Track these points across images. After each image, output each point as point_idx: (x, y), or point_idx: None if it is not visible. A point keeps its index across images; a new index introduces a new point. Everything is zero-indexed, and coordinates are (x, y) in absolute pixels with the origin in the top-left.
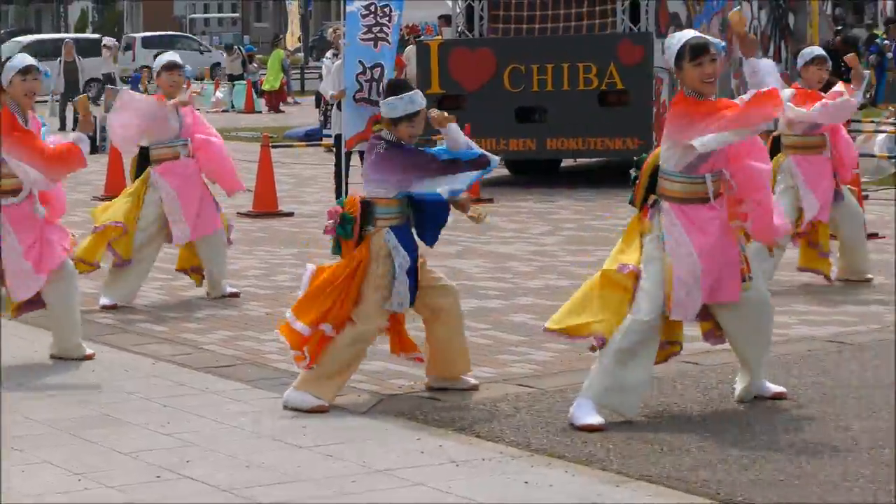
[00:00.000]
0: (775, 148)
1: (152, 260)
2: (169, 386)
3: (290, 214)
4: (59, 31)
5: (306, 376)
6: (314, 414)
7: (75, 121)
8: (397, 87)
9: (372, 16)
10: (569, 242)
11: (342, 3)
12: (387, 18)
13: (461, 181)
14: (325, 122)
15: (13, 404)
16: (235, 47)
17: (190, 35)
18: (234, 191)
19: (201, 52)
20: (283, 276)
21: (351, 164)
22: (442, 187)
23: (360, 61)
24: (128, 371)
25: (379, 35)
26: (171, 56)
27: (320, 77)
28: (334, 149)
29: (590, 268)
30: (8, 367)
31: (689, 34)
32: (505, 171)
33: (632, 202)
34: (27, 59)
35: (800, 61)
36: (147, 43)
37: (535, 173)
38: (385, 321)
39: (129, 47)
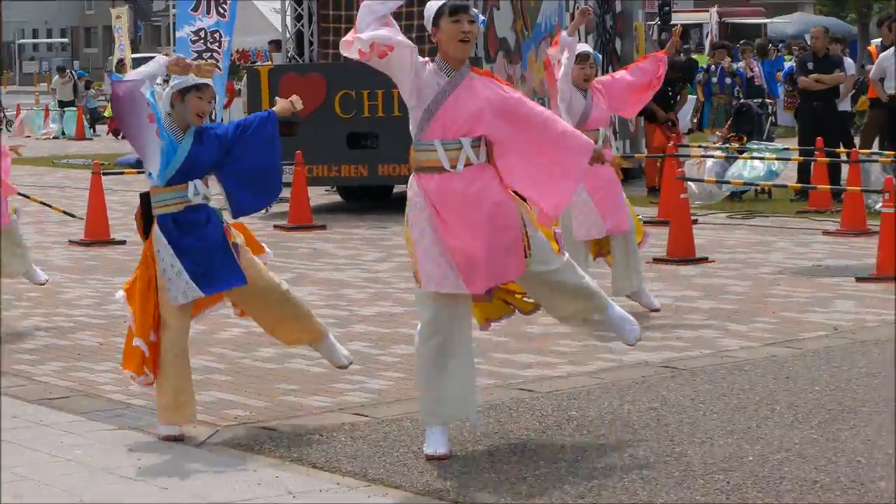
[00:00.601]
0: None
1: None
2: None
3: (123, 242)
4: None
5: (159, 406)
6: (152, 446)
7: None
8: None
9: (202, 41)
10: (402, 269)
11: (172, 28)
12: (217, 44)
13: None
14: None
15: None
16: (67, 70)
17: None
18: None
19: None
20: (115, 305)
21: None
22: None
23: None
24: None
25: (209, 61)
26: None
27: None
28: None
29: None
30: None
31: None
32: (337, 198)
33: None
34: None
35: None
36: None
37: (368, 200)
38: (186, 318)
39: None
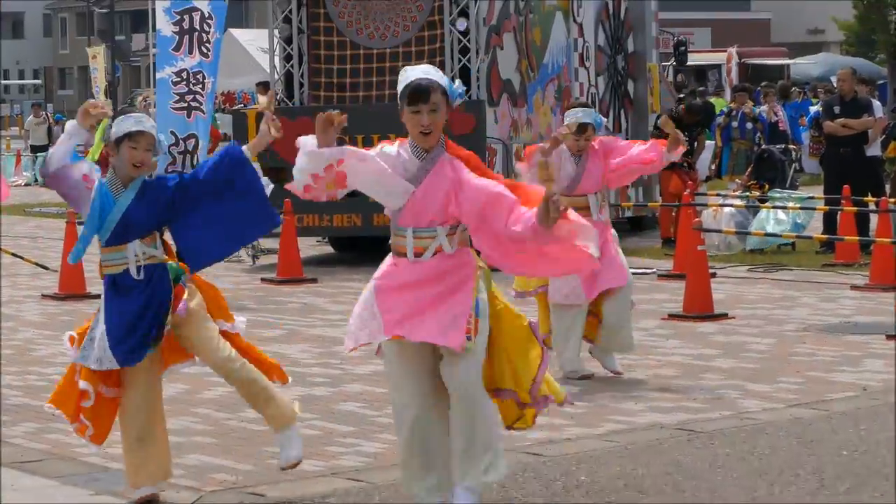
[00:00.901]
0: None
1: None
2: None
3: (99, 297)
4: None
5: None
6: None
7: None
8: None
9: (184, 83)
10: None
11: (152, 68)
12: (200, 86)
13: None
14: None
15: None
16: (43, 112)
17: None
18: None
19: None
20: None
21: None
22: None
23: (171, 132)
24: None
25: (192, 104)
26: None
27: None
28: None
29: None
30: None
31: (418, 72)
32: (329, 249)
33: None
34: None
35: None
36: None
37: (361, 251)
38: (152, 373)
39: None
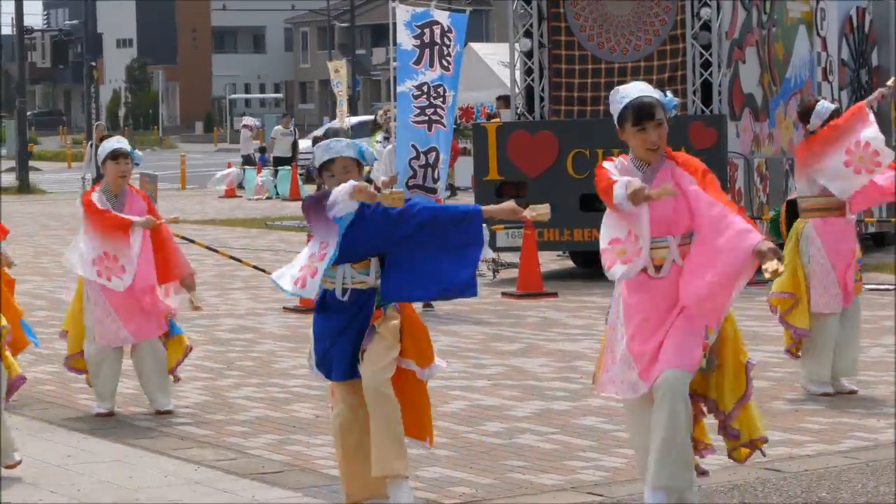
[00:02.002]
0: (791, 213)
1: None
2: (212, 494)
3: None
4: (89, 114)
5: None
6: None
7: None
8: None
9: (425, 96)
10: None
11: (392, 83)
12: (441, 99)
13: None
14: None
15: None
16: (292, 125)
17: None
18: None
19: None
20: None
21: None
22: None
23: (412, 145)
24: (167, 477)
25: (433, 117)
26: (117, 143)
27: None
28: None
29: None
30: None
31: (634, 90)
32: (569, 264)
33: None
34: (118, 144)
35: (816, 121)
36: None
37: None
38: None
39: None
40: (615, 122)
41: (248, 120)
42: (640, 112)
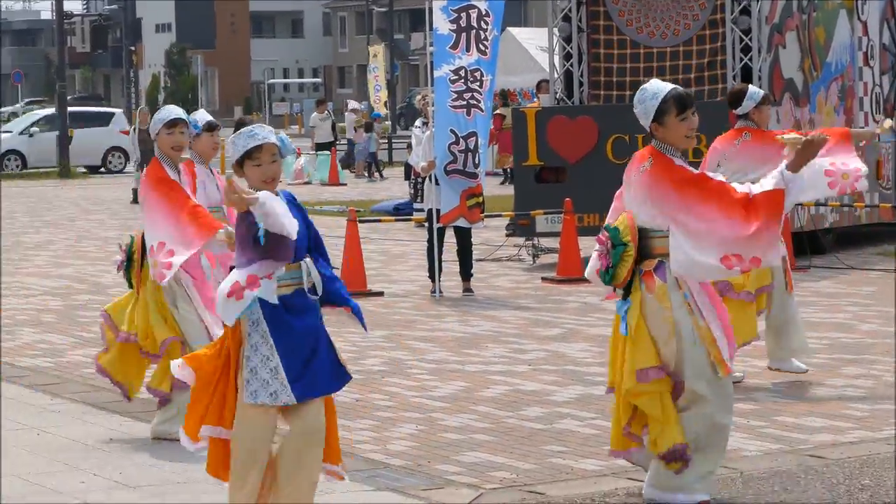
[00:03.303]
0: None
1: None
2: None
3: (381, 294)
4: (129, 98)
5: None
6: None
7: None
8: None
9: (462, 81)
10: None
11: (429, 67)
12: (478, 83)
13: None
14: (416, 195)
15: None
16: (327, 110)
17: None
18: None
19: None
20: (373, 359)
21: (445, 240)
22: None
23: (452, 130)
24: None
25: (471, 101)
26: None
27: (409, 147)
28: (426, 224)
29: None
30: None
31: (664, 84)
32: None
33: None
34: (174, 112)
35: (749, 104)
36: None
37: None
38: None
39: None
40: (648, 121)
41: (353, 104)
42: (683, 101)
